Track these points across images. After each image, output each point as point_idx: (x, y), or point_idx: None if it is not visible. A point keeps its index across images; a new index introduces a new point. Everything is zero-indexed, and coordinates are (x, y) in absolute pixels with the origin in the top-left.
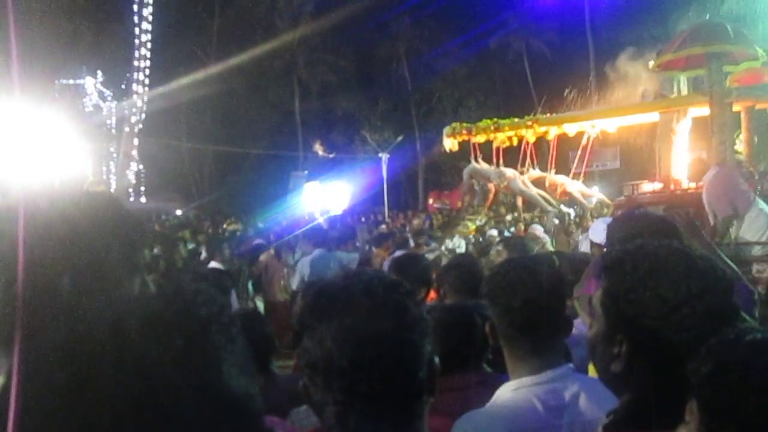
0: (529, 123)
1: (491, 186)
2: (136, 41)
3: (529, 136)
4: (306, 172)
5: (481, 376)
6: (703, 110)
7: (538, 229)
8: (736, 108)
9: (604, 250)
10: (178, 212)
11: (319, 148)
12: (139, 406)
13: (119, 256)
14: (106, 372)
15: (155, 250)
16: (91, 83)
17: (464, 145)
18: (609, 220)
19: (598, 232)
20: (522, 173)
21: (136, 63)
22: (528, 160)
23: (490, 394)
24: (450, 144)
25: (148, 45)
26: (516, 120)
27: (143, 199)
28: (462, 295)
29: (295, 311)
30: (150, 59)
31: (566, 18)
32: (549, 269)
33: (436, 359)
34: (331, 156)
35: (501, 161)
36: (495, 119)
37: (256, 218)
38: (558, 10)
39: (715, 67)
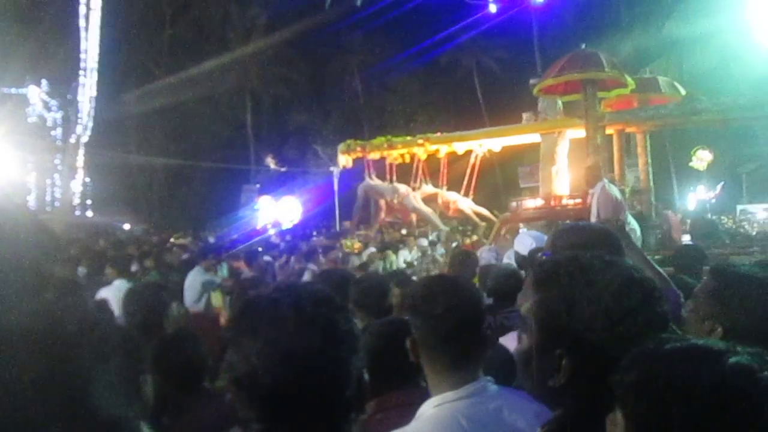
0: (421, 141)
1: (383, 203)
2: (84, 50)
3: (421, 153)
4: (258, 185)
5: (423, 393)
6: (580, 132)
7: (423, 242)
8: (609, 131)
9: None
10: (126, 226)
11: (271, 162)
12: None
13: (23, 272)
14: None
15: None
16: (35, 93)
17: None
18: (534, 233)
19: (524, 244)
20: (414, 189)
21: (82, 73)
22: (420, 176)
23: None
24: (344, 161)
25: (96, 54)
26: (408, 138)
27: (89, 213)
28: (365, 310)
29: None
30: (98, 69)
31: (515, 35)
32: (469, 282)
33: (366, 376)
34: (283, 170)
35: (395, 178)
36: (388, 137)
37: (206, 232)
38: (507, 27)
39: (590, 93)
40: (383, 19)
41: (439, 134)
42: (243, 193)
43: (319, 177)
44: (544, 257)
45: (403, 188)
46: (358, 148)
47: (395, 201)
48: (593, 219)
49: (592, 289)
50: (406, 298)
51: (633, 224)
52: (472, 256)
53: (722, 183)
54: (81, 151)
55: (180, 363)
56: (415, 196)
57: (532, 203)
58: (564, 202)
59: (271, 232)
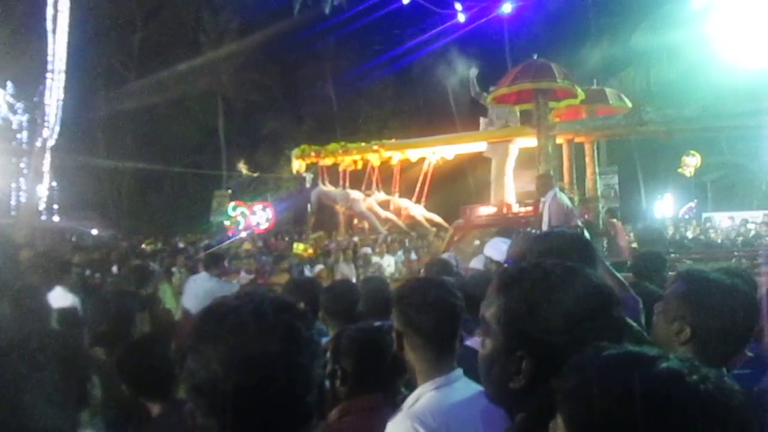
0: (376, 147)
1: (338, 208)
2: (50, 52)
3: (374, 160)
4: (230, 191)
5: (391, 397)
6: (529, 141)
7: (367, 251)
8: (559, 140)
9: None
10: (94, 232)
11: (243, 167)
12: None
13: None
14: None
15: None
16: (0, 95)
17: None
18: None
19: (497, 250)
20: (368, 196)
21: (50, 75)
22: (374, 183)
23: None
24: (298, 166)
25: (64, 57)
26: (363, 144)
27: (56, 218)
28: (336, 317)
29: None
30: (66, 72)
31: (487, 44)
32: (452, 284)
33: (327, 383)
34: (255, 175)
35: (347, 183)
36: (343, 143)
37: (177, 238)
38: (480, 36)
39: (542, 103)
40: (356, 25)
41: (393, 141)
42: (214, 199)
43: (291, 182)
44: (506, 265)
45: (355, 194)
46: (313, 153)
47: (347, 207)
48: (544, 227)
49: (553, 293)
50: (396, 295)
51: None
52: (448, 265)
53: (695, 200)
54: (47, 155)
55: (145, 370)
56: (370, 204)
57: (484, 210)
58: (515, 209)
59: (243, 236)
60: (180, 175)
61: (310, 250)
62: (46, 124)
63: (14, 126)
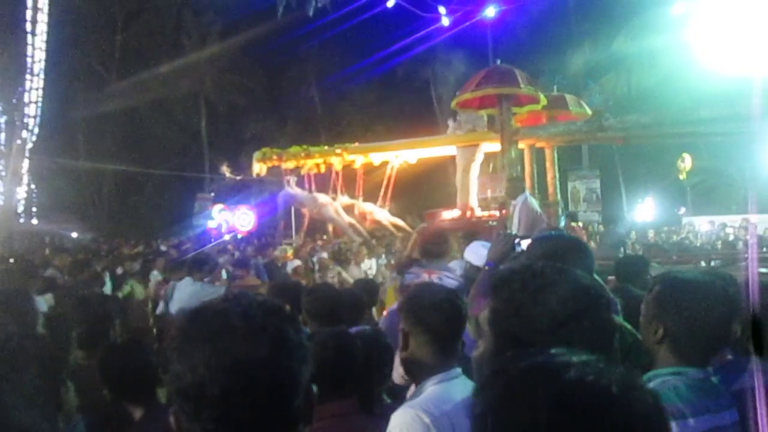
0: (339, 151)
1: (305, 211)
2: (29, 53)
3: (337, 164)
4: (212, 194)
5: (368, 404)
6: (493, 146)
7: (323, 256)
8: (521, 145)
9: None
10: (74, 235)
11: (226, 170)
12: None
13: None
14: None
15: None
16: None
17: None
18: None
19: (477, 254)
20: (333, 200)
21: (28, 76)
22: (338, 187)
23: (372, 422)
24: (258, 168)
25: (44, 58)
26: (326, 147)
27: (34, 221)
28: (318, 320)
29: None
30: (44, 72)
31: (471, 48)
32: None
33: (314, 387)
34: (238, 178)
35: (313, 187)
36: (305, 146)
37: (158, 241)
38: (463, 40)
39: (506, 108)
40: (340, 28)
41: (356, 144)
42: (197, 202)
43: (275, 186)
44: (487, 267)
45: (322, 198)
46: (275, 157)
47: (315, 211)
48: (514, 230)
49: (540, 293)
50: (406, 296)
51: None
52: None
53: (683, 208)
54: (26, 157)
55: (126, 373)
56: (336, 208)
57: (449, 214)
58: (479, 213)
59: (227, 238)
60: (162, 178)
61: (290, 252)
62: (24, 125)
63: None
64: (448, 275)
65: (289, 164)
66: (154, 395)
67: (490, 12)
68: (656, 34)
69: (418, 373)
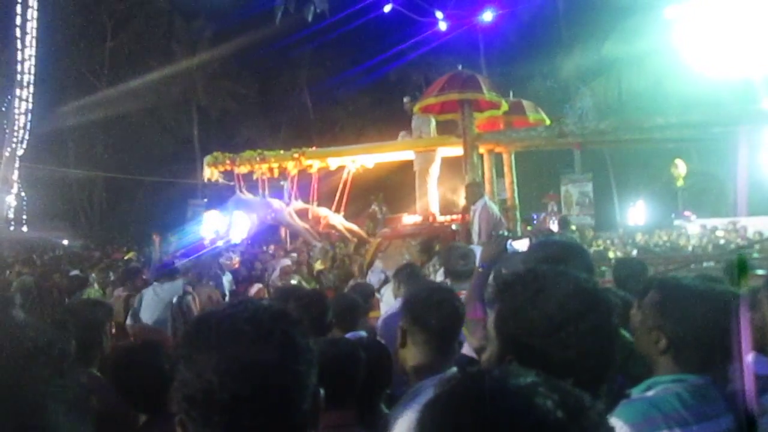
0: (296, 155)
1: (254, 217)
2: (19, 61)
3: (291, 168)
4: (205, 200)
5: (368, 414)
6: (452, 151)
7: (286, 261)
8: (480, 150)
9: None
10: (65, 242)
11: (218, 177)
12: None
13: None
14: None
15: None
16: None
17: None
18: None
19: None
20: (287, 204)
21: (18, 85)
22: (293, 192)
23: None
24: (209, 173)
25: (33, 66)
26: (282, 152)
27: (25, 229)
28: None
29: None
30: (34, 80)
31: (463, 53)
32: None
33: (321, 391)
34: (231, 184)
35: (267, 192)
36: (260, 150)
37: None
38: (455, 45)
39: (467, 113)
40: (333, 34)
41: (314, 149)
42: (189, 208)
43: (269, 191)
44: (481, 269)
45: (276, 203)
46: (227, 161)
47: (268, 217)
48: (474, 235)
49: (539, 296)
50: (406, 296)
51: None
52: (417, 270)
53: (688, 211)
54: (16, 165)
55: (135, 379)
56: (290, 212)
57: (410, 219)
58: (440, 218)
59: (219, 244)
60: (154, 185)
61: (236, 259)
62: (14, 133)
63: None
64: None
65: (242, 169)
66: (161, 401)
67: (488, 16)
68: (646, 38)
69: (414, 371)
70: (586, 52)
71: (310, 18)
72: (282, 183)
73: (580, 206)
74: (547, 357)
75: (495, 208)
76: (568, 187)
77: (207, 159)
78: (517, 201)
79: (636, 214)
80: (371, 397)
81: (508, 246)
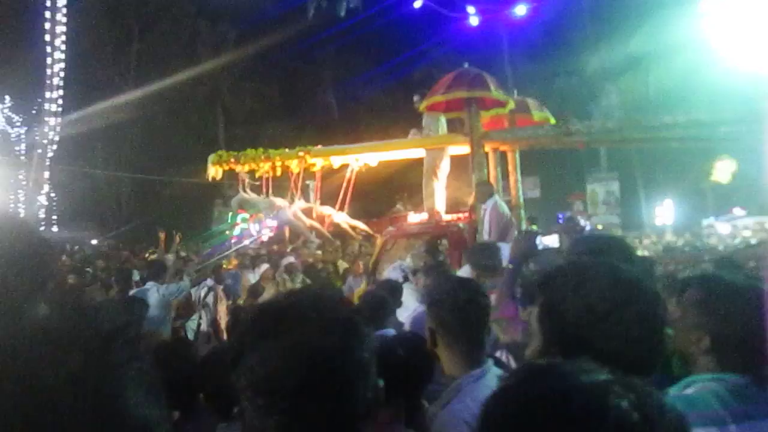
0: (301, 153)
1: (259, 216)
2: (49, 65)
3: (294, 167)
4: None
5: (396, 413)
6: (459, 149)
7: (290, 260)
8: (486, 149)
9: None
10: (94, 242)
11: (244, 176)
12: (28, 424)
13: (29, 272)
14: None
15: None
16: None
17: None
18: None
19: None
20: (290, 203)
21: (48, 87)
22: (297, 191)
23: None
24: (213, 172)
25: (61, 69)
26: (287, 150)
27: (55, 229)
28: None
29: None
30: (63, 83)
31: (486, 51)
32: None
33: (381, 383)
34: (256, 184)
35: (270, 191)
36: (264, 149)
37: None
38: (479, 43)
39: (474, 112)
40: (357, 33)
41: (318, 147)
42: (215, 208)
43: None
44: (511, 265)
45: (279, 202)
46: (232, 160)
47: (271, 215)
48: (485, 234)
49: (581, 287)
50: (429, 297)
51: None
52: (447, 267)
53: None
54: (46, 166)
55: (171, 373)
56: (295, 211)
57: (416, 218)
58: (448, 217)
59: (246, 244)
60: (180, 185)
61: (234, 261)
62: (44, 135)
63: (13, 138)
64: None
65: (246, 167)
66: (194, 398)
67: (520, 10)
68: (674, 32)
69: (448, 369)
70: (612, 48)
71: (342, 14)
72: (308, 183)
73: (606, 205)
74: (592, 348)
75: (505, 207)
76: (594, 185)
77: (211, 157)
78: (521, 200)
79: (663, 213)
80: (414, 394)
81: (537, 242)
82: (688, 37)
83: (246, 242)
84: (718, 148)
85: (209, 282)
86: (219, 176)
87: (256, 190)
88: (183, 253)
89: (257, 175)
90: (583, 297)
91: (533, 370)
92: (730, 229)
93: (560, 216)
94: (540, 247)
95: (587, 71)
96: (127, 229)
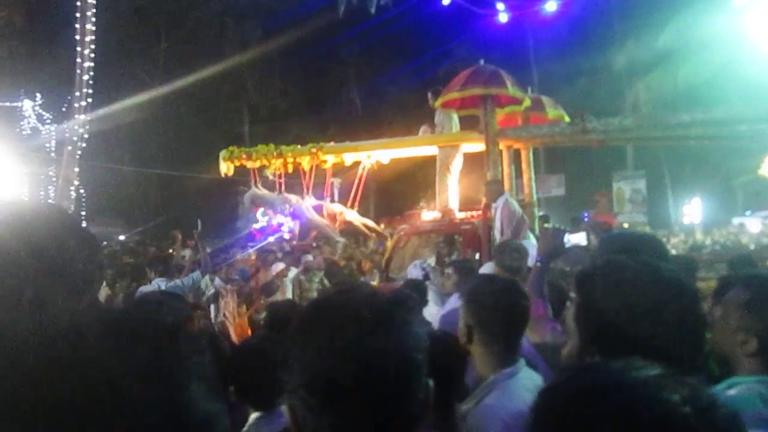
0: (314, 150)
1: (271, 212)
2: (78, 63)
3: (305, 164)
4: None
5: (437, 414)
6: (473, 147)
7: (308, 257)
8: (500, 147)
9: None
10: (121, 237)
11: (269, 173)
12: (97, 417)
13: (81, 266)
14: (60, 380)
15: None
16: (29, 106)
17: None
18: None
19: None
20: (302, 200)
21: (77, 85)
22: (309, 188)
23: None
24: (225, 168)
25: (90, 67)
26: (299, 147)
27: (84, 224)
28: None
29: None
30: (92, 81)
31: (511, 49)
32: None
33: (431, 383)
34: (281, 180)
35: (283, 188)
36: (276, 145)
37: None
38: (504, 40)
39: (489, 109)
40: (381, 31)
41: (331, 144)
42: (240, 205)
43: (318, 188)
44: (538, 264)
45: (293, 198)
46: (243, 156)
47: (285, 212)
48: (496, 233)
49: (620, 287)
50: (469, 295)
51: (532, 239)
52: (475, 269)
53: None
54: (75, 163)
55: (256, 375)
56: (308, 207)
57: (429, 215)
58: (461, 215)
59: (271, 240)
60: (206, 181)
61: (252, 258)
62: (74, 132)
63: (43, 135)
64: None
65: (258, 164)
66: (225, 390)
67: (551, 6)
68: (706, 26)
69: (483, 366)
70: (640, 44)
71: (373, 10)
72: (332, 180)
73: (633, 203)
74: (632, 347)
75: (516, 205)
76: (620, 184)
77: (222, 154)
78: (534, 198)
79: (691, 211)
80: (445, 395)
81: (565, 240)
82: (719, 32)
83: (271, 239)
84: (753, 146)
85: (218, 283)
86: (231, 172)
87: (295, 189)
88: (209, 249)
89: (269, 171)
90: (622, 296)
91: (585, 366)
92: (761, 227)
93: (585, 215)
94: (568, 245)
95: (613, 68)
96: (153, 225)
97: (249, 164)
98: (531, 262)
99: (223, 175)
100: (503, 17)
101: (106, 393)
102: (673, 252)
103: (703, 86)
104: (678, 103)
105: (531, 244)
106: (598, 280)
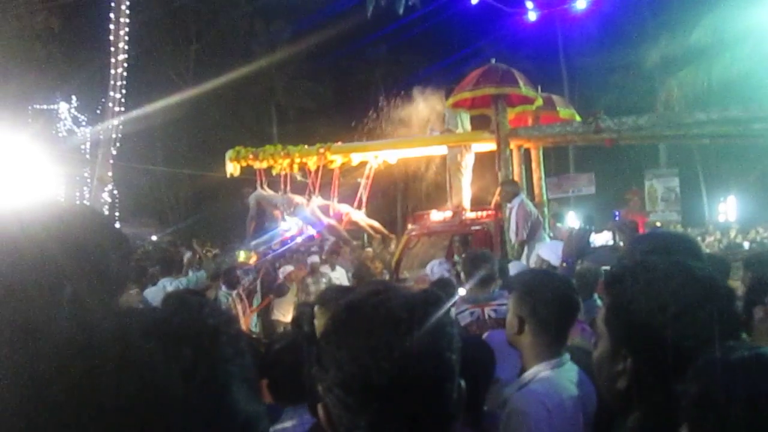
0: (322, 150)
1: (277, 213)
2: (112, 65)
3: (311, 164)
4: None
5: (473, 418)
6: (485, 146)
7: (314, 259)
8: (510, 146)
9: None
10: (154, 238)
11: (297, 174)
12: (143, 419)
13: (116, 266)
14: (108, 381)
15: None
16: (65, 108)
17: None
18: (559, 243)
19: (553, 252)
20: (308, 201)
21: (111, 88)
22: (316, 188)
23: None
24: (232, 168)
25: (124, 69)
26: (307, 147)
27: (117, 225)
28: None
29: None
30: (125, 84)
31: (540, 47)
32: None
33: (463, 383)
34: (306, 181)
35: (288, 188)
36: (284, 146)
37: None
38: (532, 39)
39: (501, 108)
40: (407, 32)
41: (339, 143)
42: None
43: (347, 189)
44: (565, 264)
45: (298, 199)
46: (250, 156)
47: (289, 212)
48: (511, 233)
49: (651, 287)
50: (525, 287)
51: (546, 239)
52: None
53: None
54: (110, 164)
55: (292, 375)
56: (313, 208)
57: (439, 215)
58: (473, 215)
59: (299, 241)
60: (235, 182)
61: (254, 257)
62: (108, 134)
63: (78, 137)
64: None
65: (264, 164)
66: (302, 397)
67: (581, 2)
68: (742, 20)
69: (530, 356)
70: (673, 40)
71: (401, 11)
72: (359, 180)
73: (666, 202)
74: (665, 349)
75: (531, 206)
76: (653, 182)
77: (229, 153)
78: (545, 197)
79: (727, 209)
80: (478, 397)
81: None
82: (754, 27)
83: (299, 240)
84: None
85: (223, 289)
86: (237, 172)
87: (324, 193)
88: (211, 252)
89: (275, 172)
90: (654, 297)
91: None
92: None
93: (616, 214)
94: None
95: (646, 65)
96: (185, 226)
97: (256, 164)
98: (556, 261)
99: (228, 176)
100: (532, 15)
101: (151, 394)
102: (707, 251)
103: (737, 82)
104: (711, 99)
105: (548, 244)
106: (628, 281)
